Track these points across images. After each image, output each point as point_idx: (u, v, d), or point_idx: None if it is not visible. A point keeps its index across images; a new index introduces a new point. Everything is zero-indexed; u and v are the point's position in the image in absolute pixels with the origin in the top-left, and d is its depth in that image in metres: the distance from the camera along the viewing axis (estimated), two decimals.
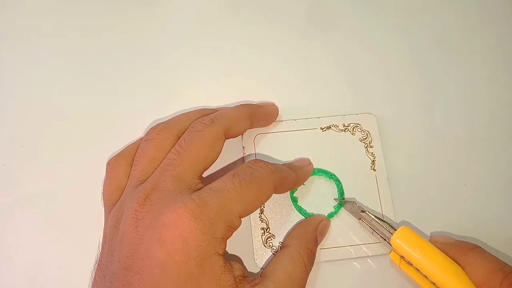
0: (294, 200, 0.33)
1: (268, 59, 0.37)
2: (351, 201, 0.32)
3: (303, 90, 0.36)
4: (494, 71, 0.37)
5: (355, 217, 0.32)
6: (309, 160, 0.33)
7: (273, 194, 0.28)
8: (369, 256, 0.32)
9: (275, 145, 0.34)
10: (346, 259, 0.31)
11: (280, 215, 0.32)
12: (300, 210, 0.32)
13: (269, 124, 0.34)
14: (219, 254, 0.25)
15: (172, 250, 0.24)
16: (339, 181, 0.33)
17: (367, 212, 0.31)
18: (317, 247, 0.30)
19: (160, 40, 0.38)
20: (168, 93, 0.36)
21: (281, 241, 0.31)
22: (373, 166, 0.33)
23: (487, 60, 0.38)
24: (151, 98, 0.36)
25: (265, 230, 0.32)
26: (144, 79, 0.37)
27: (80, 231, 0.32)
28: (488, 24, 0.39)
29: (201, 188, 0.27)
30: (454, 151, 0.35)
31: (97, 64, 0.37)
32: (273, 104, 0.35)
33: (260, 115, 0.33)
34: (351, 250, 0.31)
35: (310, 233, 0.30)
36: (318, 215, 0.32)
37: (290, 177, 0.30)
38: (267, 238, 0.31)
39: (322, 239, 0.31)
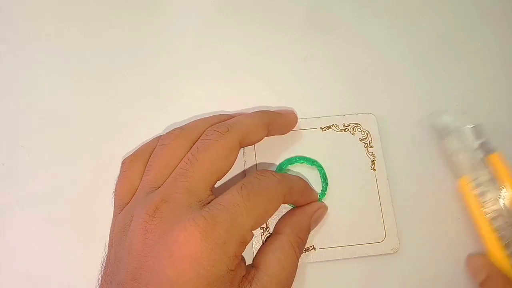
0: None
1: (268, 59, 0.37)
2: (458, 116, 0.32)
3: (303, 90, 0.36)
4: (494, 71, 0.37)
5: (441, 134, 0.32)
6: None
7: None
8: (369, 256, 0.32)
9: (275, 145, 0.34)
10: (346, 259, 0.31)
11: (280, 215, 0.32)
12: None
13: (286, 133, 0.33)
14: (231, 271, 0.25)
15: (182, 269, 0.24)
16: (321, 167, 0.33)
17: (475, 125, 0.31)
18: (308, 234, 0.31)
19: (160, 40, 0.38)
20: (168, 93, 0.36)
21: None
22: (373, 166, 0.33)
23: (487, 60, 0.38)
24: (151, 98, 0.36)
25: (264, 230, 0.32)
26: (144, 79, 0.37)
27: (80, 231, 0.32)
28: (488, 24, 0.39)
29: (212, 200, 0.26)
30: None
31: (97, 64, 0.37)
32: (292, 112, 0.34)
33: (278, 123, 0.32)
34: (351, 250, 0.31)
35: (304, 220, 0.30)
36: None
37: (299, 185, 0.30)
38: (267, 238, 0.31)
39: (316, 225, 0.31)
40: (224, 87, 0.36)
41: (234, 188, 0.27)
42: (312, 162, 0.33)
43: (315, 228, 0.32)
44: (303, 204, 0.31)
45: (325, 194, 0.33)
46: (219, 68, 0.37)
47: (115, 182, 0.31)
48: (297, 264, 0.28)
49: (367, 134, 0.34)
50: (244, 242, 0.26)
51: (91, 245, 0.32)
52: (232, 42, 0.38)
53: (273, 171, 0.29)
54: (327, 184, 0.33)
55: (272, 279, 0.26)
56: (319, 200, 0.32)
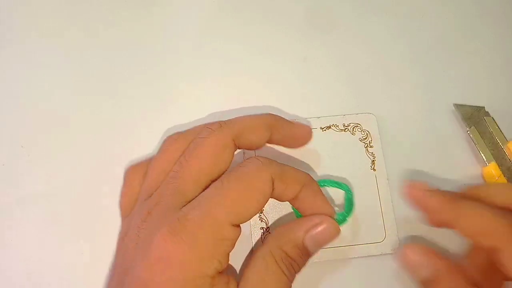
0: None
1: (268, 59, 0.37)
2: (480, 107, 0.33)
3: (303, 90, 0.36)
4: (493, 71, 0.37)
5: (466, 124, 0.32)
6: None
7: (281, 197, 0.26)
8: (369, 256, 0.31)
9: (275, 145, 0.33)
10: (346, 259, 0.31)
11: (280, 215, 0.32)
12: (296, 210, 0.29)
13: (298, 147, 0.30)
14: (208, 276, 0.23)
15: (154, 270, 0.23)
16: (349, 190, 0.31)
17: (492, 117, 0.32)
18: (303, 252, 0.26)
19: (160, 40, 0.38)
20: (168, 93, 0.36)
21: None
22: (373, 166, 0.33)
23: (486, 60, 0.38)
24: (151, 98, 0.36)
25: (264, 230, 0.32)
26: (144, 79, 0.37)
27: (80, 231, 0.32)
28: (488, 24, 0.39)
29: None
30: (454, 151, 0.35)
31: (97, 64, 0.37)
32: (307, 126, 0.31)
33: (283, 129, 0.29)
34: (351, 250, 0.31)
35: (294, 233, 0.26)
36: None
37: (295, 175, 0.26)
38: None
39: (318, 246, 0.26)
40: (224, 87, 0.36)
41: (214, 182, 0.25)
42: (339, 185, 0.31)
43: None
44: (308, 212, 0.27)
45: (346, 219, 0.30)
46: (219, 68, 0.37)
47: (114, 182, 0.32)
48: (285, 280, 0.25)
49: (367, 134, 0.34)
50: (223, 239, 0.23)
51: (91, 245, 0.32)
52: (232, 42, 0.38)
53: (262, 156, 0.26)
54: (351, 208, 0.30)
55: None
56: (338, 221, 0.28)
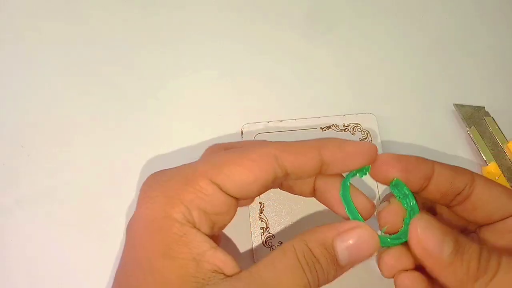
0: (344, 187, 0.25)
1: (268, 59, 0.37)
2: (480, 107, 0.33)
3: (303, 90, 0.36)
4: (493, 71, 0.37)
5: (466, 124, 0.32)
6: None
7: (300, 171, 0.23)
8: None
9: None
10: None
11: (280, 215, 0.32)
12: (348, 205, 0.25)
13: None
14: (172, 218, 0.21)
15: (137, 211, 0.23)
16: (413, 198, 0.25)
17: (492, 117, 0.32)
18: (331, 260, 0.22)
19: (160, 40, 0.38)
20: (167, 93, 0.36)
21: (281, 240, 0.31)
22: None
23: (486, 61, 0.38)
24: (151, 98, 0.36)
25: (264, 230, 0.32)
26: (144, 79, 0.37)
27: (80, 231, 0.32)
28: (488, 25, 0.39)
29: None
30: (454, 151, 0.35)
31: (97, 65, 0.37)
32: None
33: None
34: None
35: (323, 233, 0.22)
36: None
37: (303, 141, 0.24)
38: (267, 238, 0.31)
39: (350, 260, 0.22)
40: (224, 87, 0.36)
41: None
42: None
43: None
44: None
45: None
46: (219, 68, 0.37)
47: (114, 182, 0.32)
48: (303, 278, 0.21)
49: (367, 134, 0.34)
50: (195, 189, 0.22)
51: (90, 245, 0.32)
52: (232, 42, 0.38)
53: None
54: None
55: (254, 279, 0.21)
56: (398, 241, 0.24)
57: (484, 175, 0.33)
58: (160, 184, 0.23)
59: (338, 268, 0.22)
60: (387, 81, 0.37)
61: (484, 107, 0.35)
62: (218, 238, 0.28)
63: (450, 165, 0.25)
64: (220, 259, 0.21)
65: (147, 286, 0.21)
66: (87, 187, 0.33)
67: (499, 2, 0.40)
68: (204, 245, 0.21)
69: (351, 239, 0.22)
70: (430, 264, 0.22)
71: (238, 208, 0.25)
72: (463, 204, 0.25)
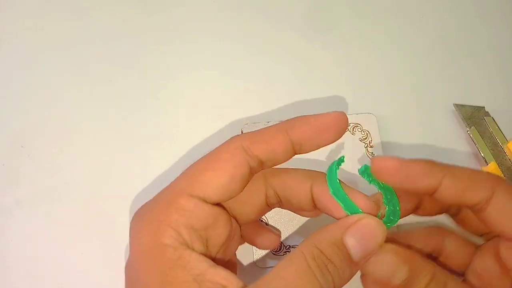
0: (332, 183, 0.23)
1: (268, 59, 0.37)
2: (480, 107, 0.33)
3: (303, 90, 0.36)
4: (493, 71, 0.37)
5: (466, 124, 0.32)
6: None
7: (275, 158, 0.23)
8: None
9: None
10: None
11: (280, 215, 0.32)
12: (343, 201, 0.23)
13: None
14: (162, 244, 0.21)
15: (131, 251, 0.23)
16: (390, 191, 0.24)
17: (492, 117, 0.32)
18: (345, 257, 0.21)
19: (160, 40, 0.38)
20: (167, 93, 0.36)
21: (281, 241, 0.31)
22: None
23: (486, 61, 0.38)
24: (151, 98, 0.36)
25: None
26: (143, 79, 0.37)
27: (80, 231, 0.32)
28: (488, 25, 0.39)
29: None
30: (454, 151, 0.35)
31: (98, 65, 0.37)
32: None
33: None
34: None
35: (330, 231, 0.22)
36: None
37: (269, 128, 0.23)
38: None
39: (363, 252, 0.21)
40: (224, 87, 0.36)
41: None
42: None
43: None
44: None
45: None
46: (219, 68, 0.37)
47: (114, 182, 0.32)
48: (315, 283, 0.20)
49: (367, 134, 0.34)
50: (178, 208, 0.21)
51: (90, 245, 0.32)
52: (232, 42, 0.38)
53: None
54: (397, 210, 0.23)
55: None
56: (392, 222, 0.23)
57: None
58: (145, 215, 0.22)
59: (353, 265, 0.21)
60: (387, 81, 0.37)
61: (484, 107, 0.35)
62: (234, 266, 0.26)
63: (467, 175, 0.22)
64: (222, 276, 0.20)
65: None
66: (87, 187, 0.33)
67: (499, 2, 0.40)
68: (202, 265, 0.21)
69: (359, 231, 0.21)
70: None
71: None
72: (477, 213, 0.23)
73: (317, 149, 0.24)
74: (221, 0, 0.39)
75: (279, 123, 0.24)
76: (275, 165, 0.24)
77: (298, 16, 0.39)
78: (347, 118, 0.23)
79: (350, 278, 0.22)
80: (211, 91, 0.36)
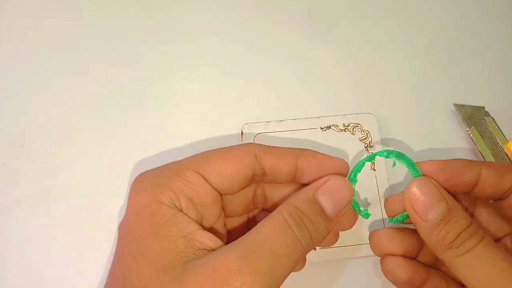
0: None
1: (268, 59, 0.37)
2: (480, 107, 0.33)
3: (303, 90, 0.36)
4: (493, 71, 0.37)
5: (466, 124, 0.33)
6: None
7: (277, 171, 0.25)
8: (369, 256, 0.31)
9: (275, 145, 0.33)
10: (346, 259, 0.31)
11: None
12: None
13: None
14: (160, 202, 0.22)
15: (128, 205, 0.24)
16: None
17: (492, 117, 0.32)
18: (318, 211, 0.23)
19: (159, 40, 0.38)
20: (167, 93, 0.36)
21: None
22: (373, 166, 0.33)
23: (486, 61, 0.38)
24: (150, 98, 0.36)
25: None
26: (143, 79, 0.37)
27: (80, 231, 0.32)
28: (488, 25, 0.39)
29: None
30: (454, 151, 0.35)
31: (98, 65, 0.37)
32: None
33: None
34: (351, 250, 0.31)
35: (304, 192, 0.24)
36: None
37: (280, 147, 0.26)
38: None
39: (334, 208, 0.24)
40: (224, 87, 0.36)
41: None
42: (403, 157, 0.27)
43: None
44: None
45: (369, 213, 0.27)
46: (219, 68, 0.37)
47: (114, 182, 0.32)
48: (291, 234, 0.22)
49: (367, 134, 0.34)
50: (183, 177, 0.23)
51: (91, 245, 0.32)
52: (232, 42, 0.38)
53: None
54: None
55: (240, 244, 0.21)
56: (363, 215, 0.27)
57: None
58: (148, 178, 0.24)
59: (328, 220, 0.24)
60: (387, 81, 0.37)
61: (484, 107, 0.35)
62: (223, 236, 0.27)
63: (497, 164, 0.26)
64: (210, 238, 0.22)
65: (137, 266, 0.21)
66: (87, 187, 0.33)
67: (499, 2, 0.40)
68: (194, 225, 0.22)
69: (329, 190, 0.24)
70: (414, 222, 0.24)
71: None
72: (507, 203, 0.25)
73: (312, 182, 0.25)
74: (221, 0, 0.39)
75: (291, 148, 0.26)
76: (274, 182, 0.26)
77: (298, 16, 0.39)
78: (349, 168, 0.26)
79: (327, 233, 0.24)
80: (211, 91, 0.36)
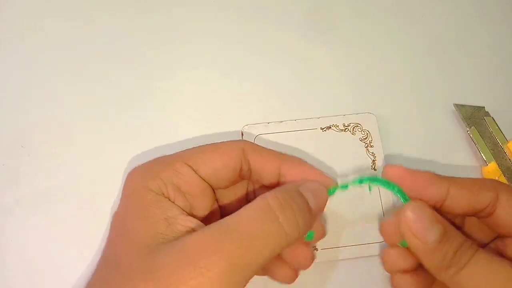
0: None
1: (268, 59, 0.37)
2: (480, 107, 0.33)
3: (303, 90, 0.36)
4: (493, 71, 0.37)
5: (466, 124, 0.33)
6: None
7: (262, 171, 0.26)
8: (370, 256, 0.31)
9: (275, 145, 0.34)
10: (347, 259, 0.31)
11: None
12: None
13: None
14: (148, 189, 0.24)
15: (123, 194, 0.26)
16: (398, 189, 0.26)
17: (492, 117, 0.32)
18: (301, 200, 0.24)
19: (159, 40, 0.38)
20: (167, 93, 0.36)
21: None
22: (373, 166, 0.33)
23: (486, 61, 0.38)
24: (151, 98, 0.36)
25: None
26: (143, 79, 0.37)
27: (80, 231, 0.32)
28: (487, 25, 0.39)
29: None
30: (454, 151, 0.35)
31: (99, 65, 0.37)
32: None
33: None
34: (352, 250, 0.31)
35: (287, 186, 0.25)
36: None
37: (268, 149, 0.27)
38: None
39: (316, 201, 0.25)
40: (224, 87, 0.36)
41: None
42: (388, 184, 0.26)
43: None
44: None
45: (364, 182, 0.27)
46: (219, 68, 0.37)
47: (114, 182, 0.32)
48: (272, 217, 0.22)
49: (367, 134, 0.34)
50: (172, 168, 0.25)
51: (90, 245, 0.31)
52: (232, 42, 0.38)
53: None
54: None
55: (223, 224, 0.22)
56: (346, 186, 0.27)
57: (484, 175, 0.33)
58: (141, 168, 0.26)
59: (311, 211, 0.24)
60: (387, 81, 0.37)
61: (484, 107, 0.35)
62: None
63: (471, 182, 0.25)
64: (192, 222, 0.23)
65: (121, 246, 0.23)
66: (87, 187, 0.33)
67: (499, 2, 0.40)
68: (177, 210, 0.23)
69: (310, 188, 0.25)
70: (413, 247, 0.24)
71: None
72: (486, 219, 0.25)
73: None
74: (221, 0, 0.39)
75: (281, 153, 0.27)
76: (258, 181, 0.27)
77: (298, 16, 0.39)
78: (327, 197, 0.26)
79: (311, 225, 0.24)
80: (211, 91, 0.36)
